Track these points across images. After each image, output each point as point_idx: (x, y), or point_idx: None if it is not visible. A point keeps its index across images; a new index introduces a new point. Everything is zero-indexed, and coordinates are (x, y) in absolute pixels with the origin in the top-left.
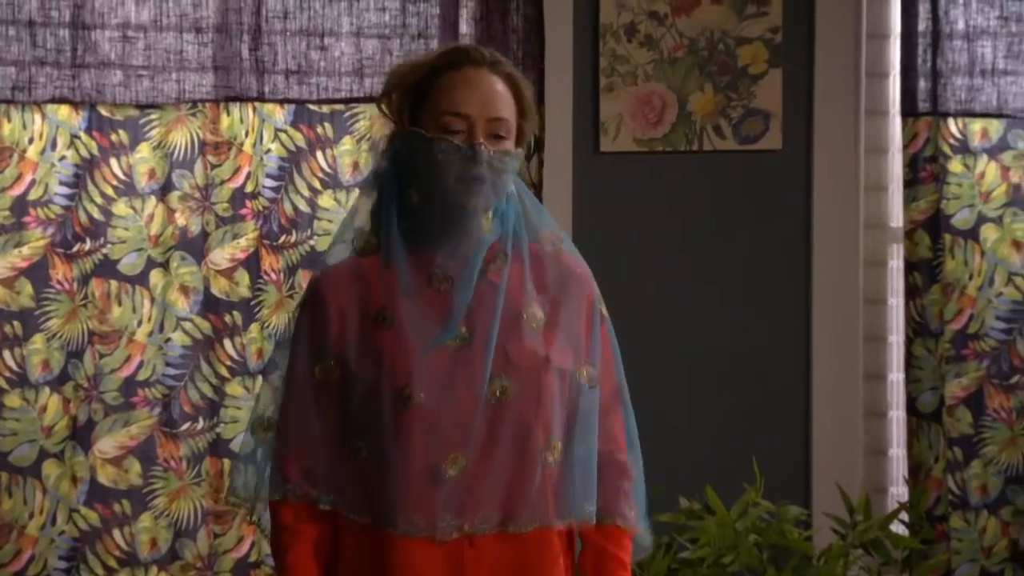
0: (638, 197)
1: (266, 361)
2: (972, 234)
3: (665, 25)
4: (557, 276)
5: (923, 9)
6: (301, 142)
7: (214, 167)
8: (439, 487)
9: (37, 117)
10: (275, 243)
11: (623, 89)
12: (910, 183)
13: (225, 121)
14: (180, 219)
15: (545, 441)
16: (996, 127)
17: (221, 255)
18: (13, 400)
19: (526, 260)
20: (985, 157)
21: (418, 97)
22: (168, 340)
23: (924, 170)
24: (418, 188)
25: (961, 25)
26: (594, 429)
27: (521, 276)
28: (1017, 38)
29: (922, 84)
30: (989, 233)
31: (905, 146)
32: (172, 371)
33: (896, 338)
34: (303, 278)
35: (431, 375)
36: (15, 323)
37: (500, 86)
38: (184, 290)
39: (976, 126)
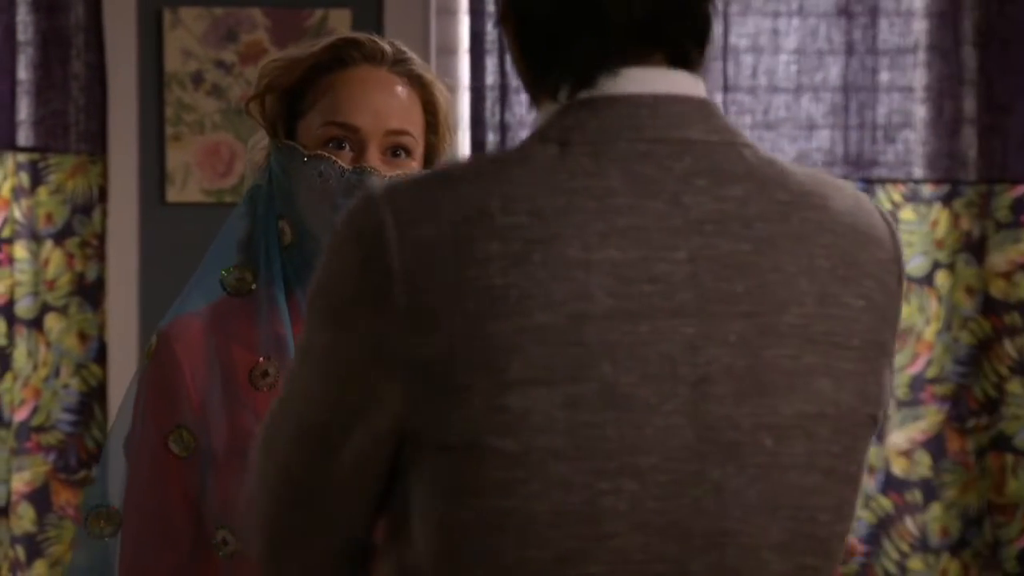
0: (207, 248)
1: (110, 429)
2: None
3: (233, 74)
4: None
5: (491, 63)
6: None
7: None
8: None
9: None
10: None
11: (190, 138)
12: None
13: None
14: None
15: None
16: None
17: None
18: None
19: None
20: None
21: (296, 101)
22: None
23: None
24: (291, 220)
25: None
26: None
27: None
28: None
29: (491, 137)
30: None
31: None
32: None
33: None
34: None
35: None
36: None
37: (404, 91)
38: None
39: None
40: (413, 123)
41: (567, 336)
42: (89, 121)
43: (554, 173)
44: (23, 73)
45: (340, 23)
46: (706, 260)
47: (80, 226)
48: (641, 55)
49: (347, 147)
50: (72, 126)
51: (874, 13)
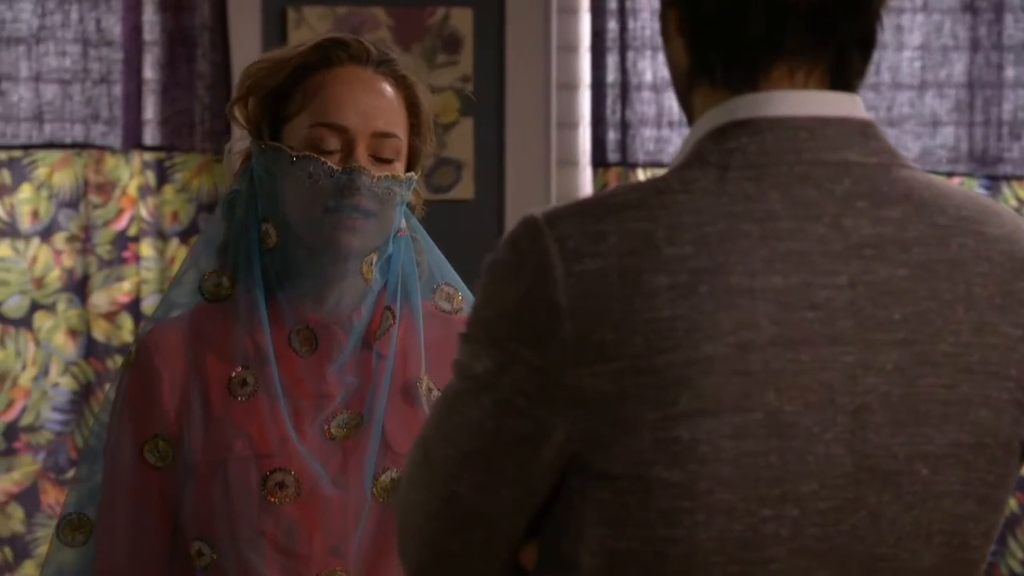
0: None
1: (88, 438)
2: None
3: None
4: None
5: (612, 61)
6: None
7: None
8: None
9: None
10: None
11: None
12: None
13: None
14: None
15: None
16: None
17: None
18: None
19: (419, 318)
20: None
21: (281, 103)
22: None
23: None
24: (276, 222)
25: (649, 77)
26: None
27: (413, 338)
28: None
29: (611, 135)
30: None
31: None
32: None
33: None
34: None
35: (306, 462)
36: None
37: (390, 91)
38: None
39: None
40: (399, 125)
41: (733, 366)
42: (214, 120)
43: (716, 198)
44: (149, 72)
45: (462, 22)
46: (865, 286)
47: (205, 224)
48: (805, 57)
49: (334, 150)
50: (197, 125)
51: (999, 9)
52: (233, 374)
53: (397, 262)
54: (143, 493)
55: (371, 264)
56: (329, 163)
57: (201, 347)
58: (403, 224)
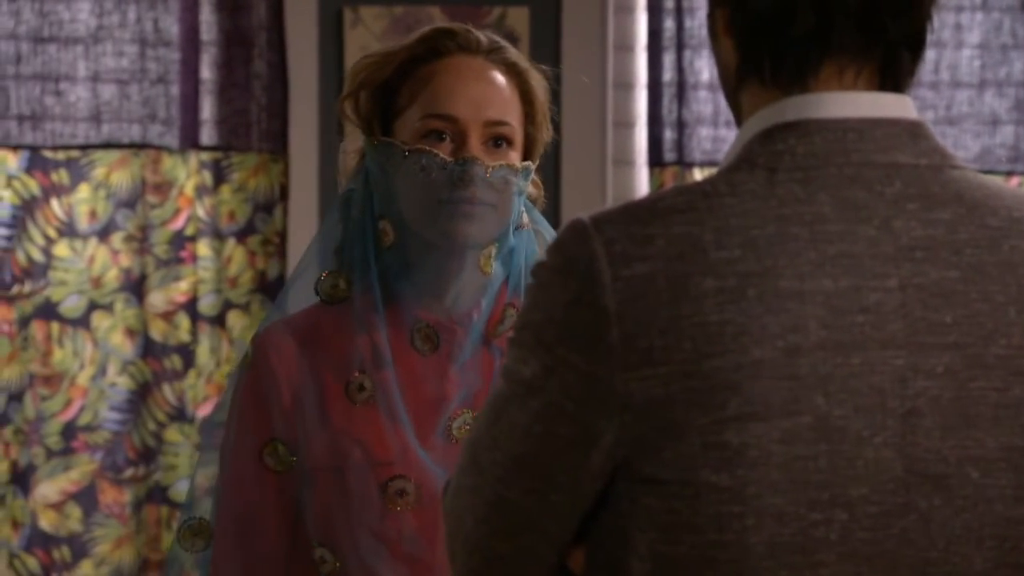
0: None
1: (201, 440)
2: None
3: None
4: None
5: (668, 60)
6: (35, 189)
7: None
8: None
9: None
10: (7, 294)
11: None
12: None
13: None
14: None
15: None
16: None
17: None
18: None
19: None
20: None
21: (391, 98)
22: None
23: None
24: (392, 219)
25: (706, 76)
26: None
27: None
28: None
29: (668, 134)
30: None
31: None
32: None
33: None
34: (36, 330)
35: (426, 469)
36: None
37: (501, 79)
38: None
39: None
40: (512, 112)
41: (782, 370)
42: (271, 120)
43: (764, 200)
44: (206, 73)
45: (518, 21)
46: (916, 288)
47: (262, 224)
48: (854, 56)
49: (447, 139)
50: (254, 125)
51: None
52: (351, 379)
53: (520, 256)
54: (261, 497)
55: (489, 257)
56: (442, 155)
57: (317, 350)
58: (524, 218)
